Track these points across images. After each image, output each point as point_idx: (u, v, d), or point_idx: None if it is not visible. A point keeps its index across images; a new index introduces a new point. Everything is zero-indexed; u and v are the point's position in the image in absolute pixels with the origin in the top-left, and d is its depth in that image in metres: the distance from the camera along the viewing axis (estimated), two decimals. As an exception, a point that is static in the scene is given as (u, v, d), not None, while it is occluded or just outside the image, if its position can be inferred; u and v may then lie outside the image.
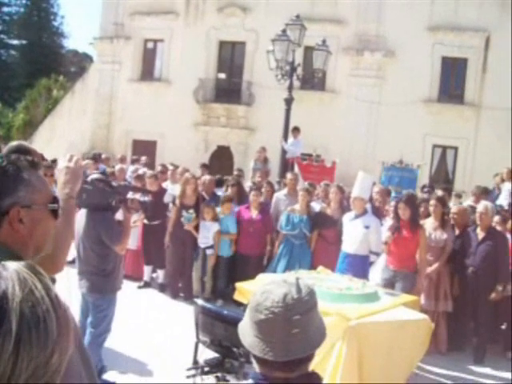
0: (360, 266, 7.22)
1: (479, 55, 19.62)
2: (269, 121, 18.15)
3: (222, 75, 21.02)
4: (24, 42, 39.57)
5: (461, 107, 19.72)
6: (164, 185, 9.74)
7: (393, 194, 9.88)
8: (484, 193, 10.19)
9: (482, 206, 7.31)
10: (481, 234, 7.11)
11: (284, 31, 11.94)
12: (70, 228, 2.24)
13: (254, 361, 1.64)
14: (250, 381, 1.63)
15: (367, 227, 7.24)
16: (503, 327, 7.66)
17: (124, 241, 4.94)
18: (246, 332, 1.65)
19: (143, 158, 13.98)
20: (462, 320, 7.23)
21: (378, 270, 7.33)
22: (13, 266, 0.94)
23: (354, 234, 7.27)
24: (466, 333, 7.29)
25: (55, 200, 1.74)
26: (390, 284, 6.83)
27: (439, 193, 9.02)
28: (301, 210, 8.16)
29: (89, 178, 4.70)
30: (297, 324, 1.56)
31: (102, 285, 5.09)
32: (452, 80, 20.08)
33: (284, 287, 1.61)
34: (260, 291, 1.64)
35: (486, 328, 7.13)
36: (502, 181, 10.65)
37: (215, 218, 8.51)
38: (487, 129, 19.21)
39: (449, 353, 7.13)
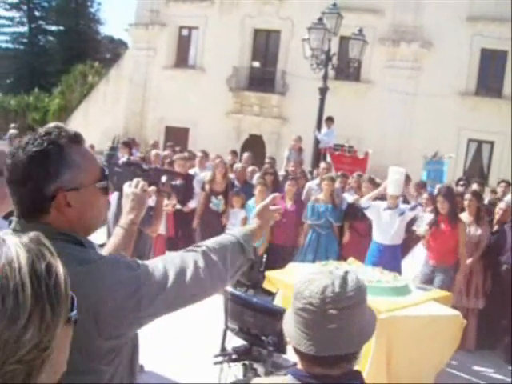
0: (392, 257, 7.17)
1: (519, 47, 19.12)
2: (302, 110, 18.03)
3: (257, 63, 20.96)
4: (61, 28, 40.05)
5: (498, 101, 19.27)
6: (191, 171, 9.72)
7: (428, 188, 9.72)
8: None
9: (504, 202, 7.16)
10: (513, 228, 6.96)
11: (320, 19, 11.81)
12: (127, 251, 2.21)
13: (295, 353, 1.60)
14: (289, 376, 1.59)
15: (402, 213, 7.21)
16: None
17: (156, 223, 4.96)
18: (288, 321, 1.61)
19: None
20: (494, 318, 7.09)
21: (413, 263, 7.29)
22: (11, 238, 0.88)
23: (389, 224, 7.21)
24: (497, 331, 7.16)
25: (104, 176, 1.66)
26: (429, 279, 6.79)
27: (474, 187, 8.87)
28: (325, 199, 8.10)
29: (120, 161, 4.70)
30: (333, 319, 1.50)
31: None
32: (491, 73, 19.63)
33: (327, 279, 1.54)
34: (303, 279, 1.59)
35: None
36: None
37: (244, 206, 8.51)
38: (525, 123, 18.74)
39: (477, 351, 7.01)
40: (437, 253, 6.82)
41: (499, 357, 6.92)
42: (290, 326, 1.59)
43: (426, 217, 7.32)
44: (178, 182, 6.38)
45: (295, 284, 1.61)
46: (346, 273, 1.57)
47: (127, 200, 2.30)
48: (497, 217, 7.46)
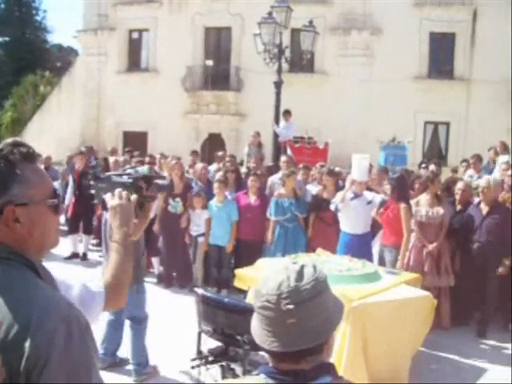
0: (363, 246, 7.26)
1: (467, 29, 19.59)
2: (259, 105, 18.04)
3: (210, 62, 20.85)
4: (7, 39, 39.11)
5: (451, 82, 19.68)
6: (153, 175, 9.60)
7: (389, 173, 9.84)
8: (479, 160, 10.18)
9: (485, 180, 7.27)
10: (485, 209, 7.07)
11: (270, 14, 11.79)
12: (130, 265, 2.19)
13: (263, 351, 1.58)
14: (261, 375, 1.56)
15: (370, 202, 7.29)
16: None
17: (141, 228, 4.99)
18: (253, 318, 1.59)
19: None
20: (465, 295, 7.21)
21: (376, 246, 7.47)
22: None
23: (358, 213, 7.27)
24: (469, 307, 7.29)
25: (55, 194, 1.63)
26: (380, 258, 7.19)
27: (432, 168, 9.01)
28: (288, 194, 8.11)
29: (105, 175, 4.62)
30: (291, 314, 1.48)
31: (135, 274, 5.09)
32: (441, 55, 20.02)
33: (283, 274, 1.53)
34: (262, 277, 1.58)
35: (491, 302, 7.13)
36: (496, 154, 10.60)
37: (205, 207, 8.47)
38: (478, 103, 19.20)
39: (453, 328, 7.13)
40: (386, 233, 7.14)
41: (472, 332, 7.05)
42: (254, 324, 1.58)
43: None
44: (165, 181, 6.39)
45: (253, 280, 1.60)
46: (302, 266, 1.56)
47: (115, 213, 2.24)
48: (457, 197, 7.58)
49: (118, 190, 2.33)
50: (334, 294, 1.59)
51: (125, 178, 4.56)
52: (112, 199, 2.29)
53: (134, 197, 2.34)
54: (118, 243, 2.17)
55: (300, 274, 1.53)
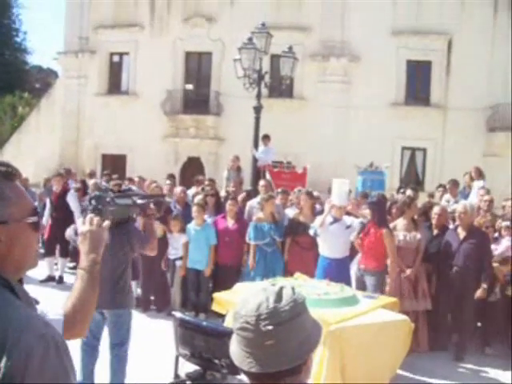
0: (342, 270, 7.27)
1: (442, 58, 20.01)
2: (238, 130, 18.13)
3: (190, 86, 20.97)
4: (-14, 60, 38.91)
5: (427, 109, 20.04)
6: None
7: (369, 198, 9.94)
8: (456, 185, 10.34)
9: (462, 205, 7.38)
10: (462, 234, 7.16)
11: (250, 39, 11.93)
12: (95, 294, 2.14)
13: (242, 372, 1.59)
14: None
15: (349, 226, 7.32)
16: (479, 324, 7.77)
17: (154, 241, 5.01)
18: (232, 340, 1.60)
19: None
20: (443, 319, 7.27)
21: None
22: None
23: (337, 237, 7.29)
24: (447, 331, 7.34)
25: (35, 212, 1.63)
26: (360, 282, 7.12)
27: (408, 193, 9.13)
28: (266, 218, 8.13)
29: (108, 198, 4.62)
30: (270, 335, 1.49)
31: (122, 299, 5.08)
32: (417, 83, 20.38)
33: (262, 296, 1.54)
34: (241, 299, 1.60)
35: (469, 326, 7.19)
36: (472, 179, 10.79)
37: (183, 230, 8.45)
38: (454, 129, 19.55)
39: (431, 352, 7.17)
40: (366, 257, 7.12)
41: (450, 356, 7.09)
42: (233, 346, 1.59)
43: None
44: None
45: (237, 304, 1.61)
46: (281, 288, 1.57)
47: (84, 239, 2.21)
48: (434, 221, 7.69)
49: (89, 216, 2.29)
50: (312, 316, 1.61)
51: (135, 199, 4.59)
52: (83, 225, 2.25)
53: (106, 223, 2.31)
54: (84, 270, 2.13)
55: (279, 296, 1.54)
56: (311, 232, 7.48)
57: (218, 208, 9.15)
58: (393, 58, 19.98)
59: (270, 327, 1.49)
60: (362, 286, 6.97)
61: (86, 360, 5.38)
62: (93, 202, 3.85)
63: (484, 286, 7.01)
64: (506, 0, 20.04)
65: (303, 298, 1.59)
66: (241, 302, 1.58)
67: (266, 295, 1.54)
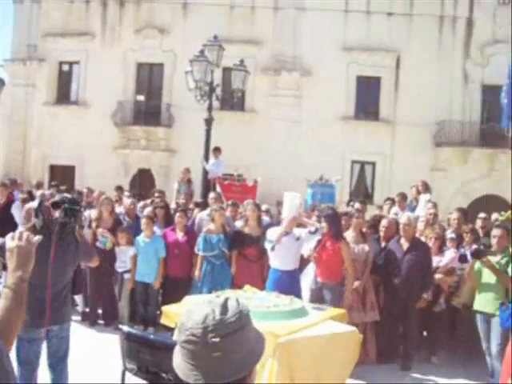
0: (292, 282, 7.26)
1: (391, 74, 20.53)
2: (190, 142, 18.07)
3: (141, 97, 20.81)
4: None
5: (376, 124, 20.48)
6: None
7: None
8: (404, 198, 10.55)
9: (405, 217, 7.52)
10: (405, 245, 7.29)
11: (202, 52, 11.93)
12: (21, 311, 2.05)
13: None
14: None
15: (298, 239, 7.32)
16: (425, 334, 7.92)
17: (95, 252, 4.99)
18: (176, 353, 1.58)
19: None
20: (390, 329, 7.37)
21: (308, 281, 7.45)
22: None
23: (287, 250, 7.28)
24: (395, 342, 7.44)
25: None
26: (317, 295, 7.05)
27: (357, 206, 9.26)
28: (216, 230, 8.10)
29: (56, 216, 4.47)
30: (217, 347, 1.48)
31: (70, 312, 4.99)
32: (367, 98, 20.84)
33: (207, 307, 1.53)
34: (186, 311, 1.58)
35: (413, 335, 7.31)
36: (419, 193, 11.04)
37: (131, 243, 8.34)
38: (402, 144, 20.05)
39: (380, 362, 7.25)
40: (324, 270, 7.11)
41: (398, 366, 7.18)
42: (177, 359, 1.56)
43: (311, 238, 7.54)
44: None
45: (181, 316, 1.59)
46: (227, 299, 1.57)
47: (11, 255, 2.09)
48: (382, 234, 7.81)
49: (18, 231, 2.17)
50: (255, 327, 1.61)
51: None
52: (11, 240, 2.12)
53: (37, 238, 2.18)
54: (9, 288, 2.04)
55: (225, 307, 1.54)
56: (268, 247, 7.43)
57: (168, 220, 9.07)
58: (343, 74, 20.39)
59: (217, 339, 1.48)
60: (319, 299, 6.95)
61: (24, 379, 5.20)
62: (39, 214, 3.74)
63: (425, 296, 7.15)
64: (450, 18, 20.76)
65: (247, 309, 1.59)
66: (186, 315, 1.56)
67: (212, 307, 1.53)
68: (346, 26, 20.63)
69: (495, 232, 6.52)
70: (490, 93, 19.77)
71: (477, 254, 6.42)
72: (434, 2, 20.75)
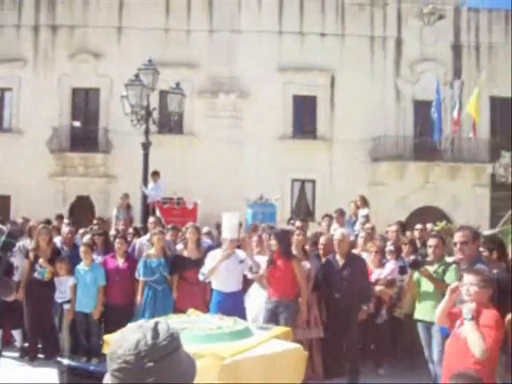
0: (238, 303, 7.23)
1: (326, 93, 21.00)
2: (128, 167, 17.86)
3: (77, 123, 20.45)
4: None
5: (314, 142, 20.86)
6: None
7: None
8: (342, 214, 10.72)
9: (339, 233, 7.61)
10: (341, 261, 7.37)
11: (137, 76, 11.89)
12: None
13: None
14: None
15: (242, 261, 7.30)
16: (372, 347, 8.03)
17: None
18: (105, 382, 1.54)
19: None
20: (335, 345, 7.43)
21: (256, 301, 7.42)
22: None
23: (230, 271, 7.24)
24: (341, 356, 7.50)
25: None
26: (273, 314, 7.03)
27: (298, 223, 9.35)
28: (156, 254, 8.01)
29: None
30: (151, 372, 1.46)
31: None
32: (304, 117, 21.20)
33: (138, 333, 1.51)
34: (116, 339, 1.54)
35: (356, 348, 7.38)
36: (357, 208, 11.25)
37: (70, 272, 8.13)
38: (340, 160, 20.46)
39: (327, 378, 7.28)
40: (277, 288, 7.11)
41: (346, 380, 7.22)
42: None
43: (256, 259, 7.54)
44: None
45: (111, 344, 1.55)
46: (157, 323, 1.56)
47: None
48: (321, 251, 7.89)
49: None
50: (185, 351, 1.60)
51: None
52: None
53: None
54: None
55: (156, 331, 1.52)
56: (200, 277, 7.40)
57: (107, 247, 8.90)
58: (280, 94, 20.71)
59: (151, 364, 1.46)
60: (274, 318, 6.95)
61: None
62: None
63: (365, 308, 7.25)
64: (380, 38, 21.50)
65: (178, 332, 1.58)
66: (116, 342, 1.53)
67: (143, 332, 1.51)
68: (280, 46, 21.02)
69: (431, 242, 6.70)
70: (421, 108, 20.50)
71: (414, 265, 6.59)
72: (364, 22, 21.45)
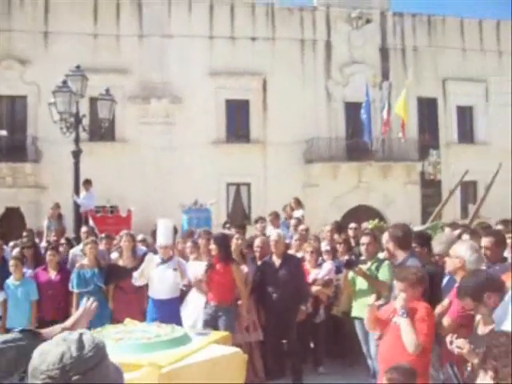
0: (174, 310, 7.14)
1: (259, 96, 21.17)
2: (59, 176, 17.41)
3: (3, 132, 19.70)
4: None
5: (248, 145, 20.98)
6: None
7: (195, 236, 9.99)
8: (277, 216, 10.79)
9: (275, 234, 7.68)
10: (277, 261, 7.42)
11: (65, 82, 11.60)
12: None
13: None
14: None
15: (176, 269, 7.21)
16: (312, 345, 8.11)
17: None
18: None
19: None
20: (275, 346, 7.45)
21: (194, 307, 7.36)
22: None
23: (165, 278, 7.15)
24: (282, 357, 7.54)
25: None
26: (212, 319, 6.98)
27: (235, 227, 9.34)
28: (90, 264, 7.83)
29: None
30: None
31: None
32: (237, 121, 21.28)
33: (62, 346, 1.46)
34: (37, 353, 1.48)
35: (297, 348, 7.44)
36: (292, 209, 11.35)
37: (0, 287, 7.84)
38: (274, 163, 20.65)
39: (270, 379, 7.30)
40: (216, 293, 7.07)
41: (289, 380, 7.27)
42: None
43: (191, 264, 7.48)
44: None
45: (31, 360, 1.49)
46: (81, 334, 1.51)
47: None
48: (256, 254, 7.90)
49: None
50: (112, 361, 1.55)
51: None
52: None
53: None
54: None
55: (80, 343, 1.47)
56: (133, 281, 7.29)
57: (38, 260, 8.60)
58: (212, 98, 20.73)
59: (77, 377, 1.42)
60: (213, 323, 6.90)
61: None
62: None
63: (303, 308, 7.32)
64: (310, 41, 21.84)
65: (103, 342, 1.53)
66: (38, 357, 1.47)
67: (67, 345, 1.46)
68: (211, 51, 21.03)
69: (363, 240, 6.85)
70: (352, 110, 20.97)
71: (348, 265, 6.76)
72: (294, 26, 21.76)
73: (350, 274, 6.89)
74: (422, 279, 4.56)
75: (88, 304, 2.56)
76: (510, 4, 33.43)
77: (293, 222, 10.11)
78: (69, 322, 2.35)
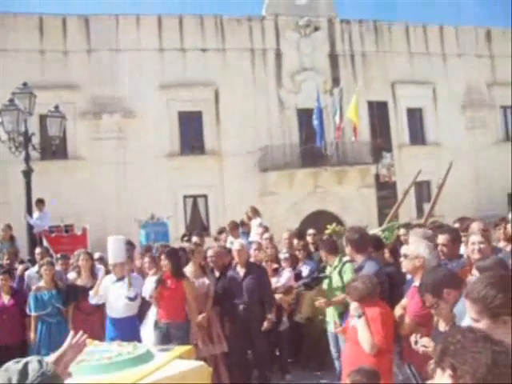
0: (131, 328, 6.99)
1: (211, 107, 21.13)
2: (11, 197, 16.93)
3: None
4: None
5: (203, 157, 20.91)
6: None
7: (153, 251, 9.85)
8: (235, 226, 10.74)
9: (237, 243, 7.64)
10: (242, 271, 7.39)
11: (11, 101, 11.32)
12: None
13: None
14: None
15: (130, 287, 7.06)
16: (277, 354, 8.09)
17: None
18: None
19: None
20: (241, 357, 7.40)
21: (151, 325, 7.22)
22: None
23: (119, 297, 7.00)
24: (247, 367, 7.48)
25: None
26: (165, 336, 6.81)
27: (195, 239, 9.27)
28: (47, 286, 7.63)
29: None
30: None
31: None
32: (191, 132, 21.17)
33: (3, 377, 1.40)
34: None
35: (262, 358, 7.41)
36: (249, 218, 11.33)
37: None
38: (230, 174, 20.66)
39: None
40: (167, 309, 6.91)
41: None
42: None
43: (149, 280, 7.35)
44: None
45: None
46: (26, 363, 1.45)
47: None
48: (211, 264, 7.84)
49: None
50: None
51: None
52: None
53: None
54: None
55: (23, 373, 1.42)
56: (91, 301, 7.13)
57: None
58: (164, 111, 20.58)
59: None
60: (166, 340, 6.76)
61: None
62: None
63: (269, 316, 7.28)
64: (260, 51, 21.97)
65: (53, 369, 1.47)
66: None
67: (8, 375, 1.41)
68: (162, 64, 20.89)
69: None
70: (305, 116, 21.13)
71: (315, 282, 6.78)
72: (244, 36, 21.85)
73: (324, 286, 6.80)
74: (370, 289, 4.61)
75: (74, 340, 2.47)
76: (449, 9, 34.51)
77: (257, 230, 10.08)
78: (51, 358, 2.26)
